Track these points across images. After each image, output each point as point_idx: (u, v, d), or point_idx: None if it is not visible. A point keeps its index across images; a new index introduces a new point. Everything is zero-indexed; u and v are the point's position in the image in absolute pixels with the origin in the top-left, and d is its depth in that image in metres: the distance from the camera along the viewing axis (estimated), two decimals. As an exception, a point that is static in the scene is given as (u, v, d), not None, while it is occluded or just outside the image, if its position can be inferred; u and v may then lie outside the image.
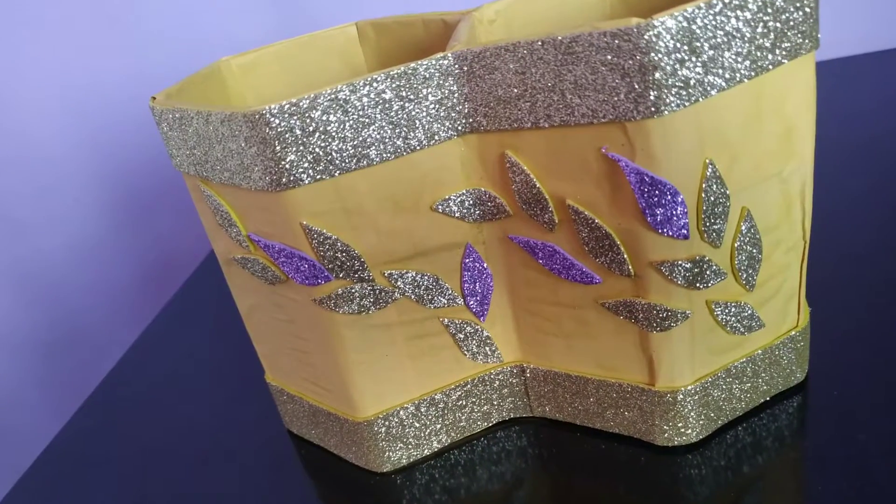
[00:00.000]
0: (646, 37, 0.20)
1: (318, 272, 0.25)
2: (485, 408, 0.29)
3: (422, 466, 0.29)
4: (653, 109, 0.21)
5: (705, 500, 0.25)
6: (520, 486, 0.27)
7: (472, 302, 0.27)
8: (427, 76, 0.23)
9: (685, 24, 0.20)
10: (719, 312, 0.25)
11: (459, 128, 0.24)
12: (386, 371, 0.27)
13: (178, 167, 0.27)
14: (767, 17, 0.21)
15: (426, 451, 0.29)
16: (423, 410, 0.29)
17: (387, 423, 0.28)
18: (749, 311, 0.25)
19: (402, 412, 0.28)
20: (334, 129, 0.23)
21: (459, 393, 0.29)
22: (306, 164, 0.23)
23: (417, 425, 0.29)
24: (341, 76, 0.34)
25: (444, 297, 0.27)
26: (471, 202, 0.25)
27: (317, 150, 0.23)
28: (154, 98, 0.26)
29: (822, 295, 0.32)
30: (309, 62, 0.33)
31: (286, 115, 0.22)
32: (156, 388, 0.41)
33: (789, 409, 0.28)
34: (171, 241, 0.75)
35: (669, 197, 0.22)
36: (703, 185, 0.22)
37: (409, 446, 0.29)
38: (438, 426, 0.29)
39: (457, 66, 0.23)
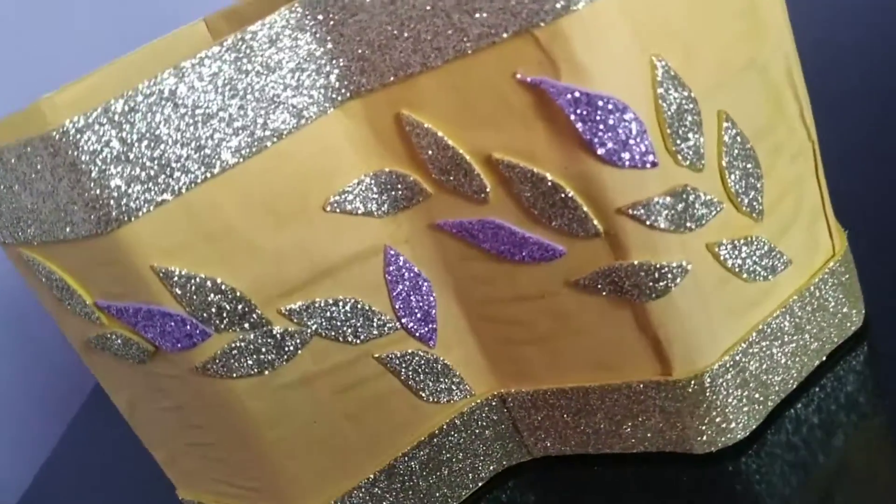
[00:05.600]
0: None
1: (192, 329, 0.23)
2: (468, 462, 0.27)
3: (402, 562, 0.26)
4: (564, 3, 0.19)
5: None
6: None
7: (411, 323, 0.25)
8: (273, 38, 0.22)
9: None
10: (726, 255, 0.23)
11: (334, 95, 0.22)
12: (319, 444, 0.25)
13: (-12, 238, 0.25)
14: None
15: (401, 540, 0.27)
16: (382, 488, 0.26)
17: (338, 514, 0.26)
18: (766, 246, 0.24)
19: (354, 497, 0.26)
20: (166, 131, 0.21)
21: (427, 452, 0.26)
22: (139, 186, 0.21)
23: (380, 508, 0.26)
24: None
25: (372, 326, 0.25)
26: (375, 189, 0.24)
27: (148, 163, 0.21)
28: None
29: (854, 210, 0.30)
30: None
31: (97, 126, 0.21)
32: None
33: (856, 367, 0.26)
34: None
35: (618, 114, 0.20)
36: (658, 91, 0.21)
37: (377, 539, 0.26)
38: (411, 503, 0.26)
39: (310, 16, 0.22)
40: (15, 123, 0.28)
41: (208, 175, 0.22)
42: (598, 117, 0.20)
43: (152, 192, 0.21)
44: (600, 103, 0.20)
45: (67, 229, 0.22)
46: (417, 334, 0.25)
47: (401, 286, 0.25)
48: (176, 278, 0.22)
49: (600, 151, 0.21)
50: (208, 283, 0.22)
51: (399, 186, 0.24)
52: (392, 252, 0.24)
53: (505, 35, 0.20)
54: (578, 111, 0.20)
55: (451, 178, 0.23)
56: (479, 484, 0.27)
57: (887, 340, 0.27)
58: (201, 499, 0.28)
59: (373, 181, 0.24)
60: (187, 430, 0.26)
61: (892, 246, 0.29)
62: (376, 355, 0.25)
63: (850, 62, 0.43)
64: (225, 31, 0.32)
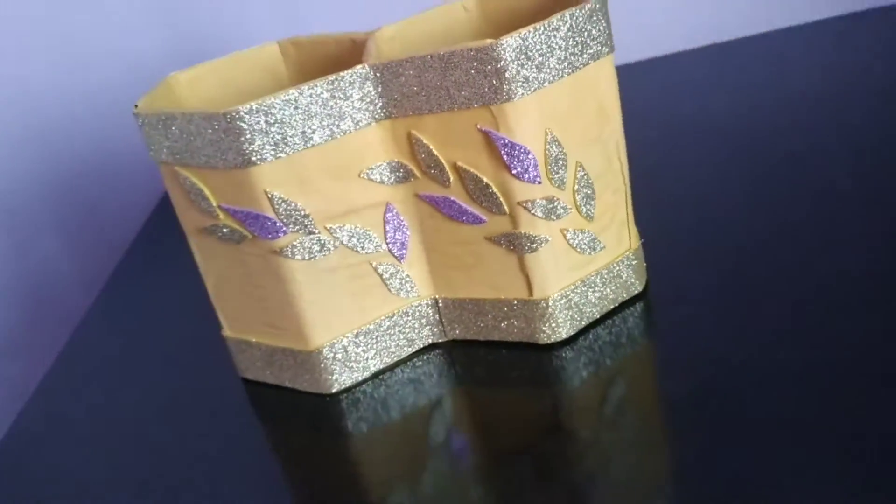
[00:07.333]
0: (496, 51, 0.38)
1: (278, 228, 0.41)
2: (409, 335, 0.46)
3: (363, 387, 0.45)
4: (505, 97, 0.39)
5: (582, 383, 0.42)
6: (441, 397, 0.44)
7: (393, 248, 0.44)
8: (352, 81, 0.40)
9: (521, 41, 0.38)
10: (570, 237, 0.43)
11: (377, 116, 0.41)
12: (331, 307, 0.44)
13: (155, 158, 0.42)
14: (575, 34, 0.40)
15: (365, 373, 0.45)
16: (361, 339, 0.45)
17: (333, 350, 0.44)
18: (592, 237, 0.44)
19: (344, 340, 0.44)
20: (288, 120, 0.39)
21: (388, 323, 0.45)
22: (269, 147, 0.39)
23: (357, 351, 0.45)
24: (268, 87, 0.50)
25: (372, 245, 0.43)
26: (388, 170, 0.42)
27: (277, 136, 0.39)
28: (136, 106, 0.42)
29: (654, 224, 0.52)
30: (241, 75, 0.49)
31: (254, 113, 0.39)
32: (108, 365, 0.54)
33: (635, 313, 0.47)
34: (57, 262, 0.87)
35: (524, 154, 0.40)
36: (546, 146, 0.40)
37: (352, 370, 0.45)
38: (373, 352, 0.45)
39: (372, 73, 0.40)
40: (155, 96, 0.45)
41: (305, 147, 0.40)
42: (514, 153, 0.40)
43: (276, 151, 0.39)
44: (517, 147, 0.40)
45: (221, 163, 0.40)
46: (396, 254, 0.44)
47: (390, 225, 0.44)
48: (276, 199, 0.40)
49: (513, 171, 0.40)
50: (293, 205, 0.41)
51: (401, 171, 0.43)
52: (390, 206, 0.43)
53: (475, 106, 0.39)
54: (506, 149, 0.40)
55: (432, 170, 0.42)
56: (415, 349, 0.47)
57: (657, 301, 0.47)
58: (243, 336, 0.47)
59: (387, 165, 0.42)
60: (253, 289, 0.44)
61: (671, 245, 0.50)
62: (371, 263, 0.44)
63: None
64: (291, 53, 0.50)
